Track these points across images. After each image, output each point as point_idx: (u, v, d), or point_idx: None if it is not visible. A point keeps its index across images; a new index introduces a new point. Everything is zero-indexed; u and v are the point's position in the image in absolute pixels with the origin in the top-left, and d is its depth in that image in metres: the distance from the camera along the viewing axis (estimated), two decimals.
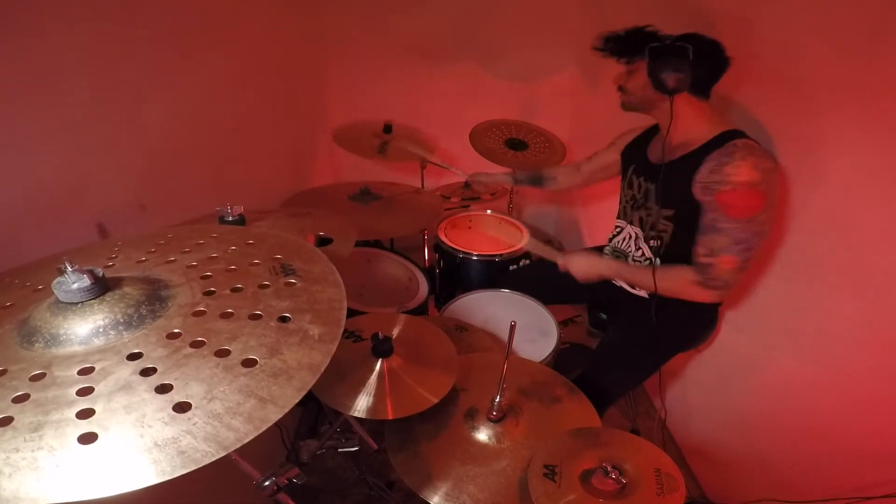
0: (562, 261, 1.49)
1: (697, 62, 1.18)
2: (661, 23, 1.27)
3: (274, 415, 0.49)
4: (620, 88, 1.36)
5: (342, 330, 0.60)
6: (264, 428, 0.48)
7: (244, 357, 0.54)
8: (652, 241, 1.39)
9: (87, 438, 0.45)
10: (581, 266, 1.45)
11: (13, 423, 0.46)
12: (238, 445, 0.46)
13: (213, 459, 0.45)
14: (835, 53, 1.14)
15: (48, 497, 0.41)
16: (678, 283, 1.27)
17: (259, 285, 0.65)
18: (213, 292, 0.64)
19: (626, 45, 1.30)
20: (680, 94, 1.23)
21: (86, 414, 0.47)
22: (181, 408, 0.48)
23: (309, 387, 0.53)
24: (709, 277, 1.21)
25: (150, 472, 0.43)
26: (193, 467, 0.44)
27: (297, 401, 0.51)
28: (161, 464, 0.44)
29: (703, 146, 1.23)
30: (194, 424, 0.47)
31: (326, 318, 0.61)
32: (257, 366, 0.53)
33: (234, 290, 0.64)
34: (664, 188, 1.31)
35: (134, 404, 0.48)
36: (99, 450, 0.45)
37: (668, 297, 1.31)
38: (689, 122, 1.26)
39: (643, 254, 1.43)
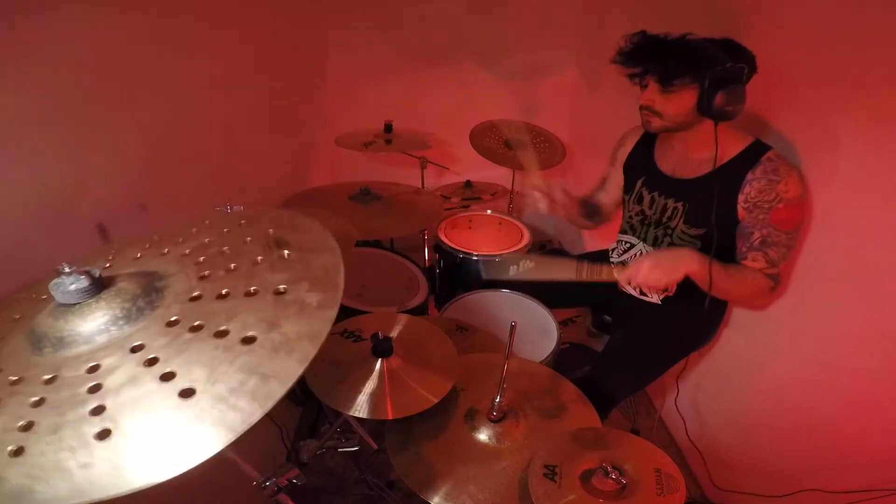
0: (624, 275, 1.21)
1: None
2: (664, 21, 1.21)
3: (278, 390, 0.48)
4: (649, 111, 1.21)
5: (341, 294, 0.58)
6: (270, 406, 0.47)
7: (243, 335, 0.53)
8: None
9: (103, 435, 0.46)
10: (660, 267, 1.16)
11: (35, 427, 0.47)
12: (246, 427, 0.46)
13: (226, 444, 0.45)
14: (837, 52, 1.14)
15: (78, 496, 0.42)
16: (754, 292, 1.22)
17: (253, 262, 0.64)
18: (208, 276, 0.63)
19: (676, 66, 1.11)
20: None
21: (98, 411, 0.48)
22: (186, 394, 0.48)
23: (311, 357, 0.51)
24: (776, 285, 1.22)
25: (164, 465, 0.43)
26: (205, 456, 0.44)
27: (300, 373, 0.50)
28: (174, 455, 0.44)
29: (735, 161, 1.19)
30: (201, 410, 0.47)
31: (324, 285, 0.59)
32: (256, 342, 0.53)
33: (229, 270, 0.63)
34: (701, 207, 1.24)
35: (141, 396, 0.49)
36: (115, 445, 0.45)
37: (721, 296, 1.26)
38: (710, 136, 1.18)
39: None
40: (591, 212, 1.60)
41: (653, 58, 1.15)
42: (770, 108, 1.33)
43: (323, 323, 0.54)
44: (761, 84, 1.16)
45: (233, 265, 0.63)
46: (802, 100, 1.24)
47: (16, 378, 0.53)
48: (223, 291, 0.59)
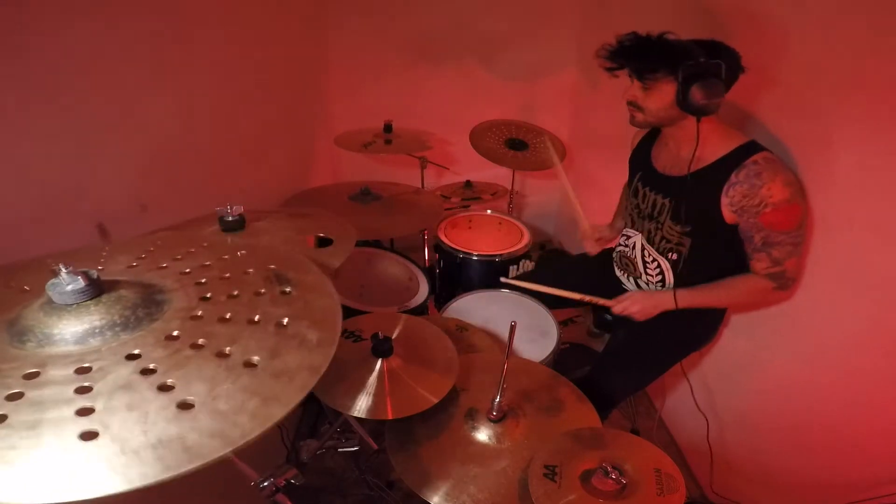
0: (620, 306, 1.37)
1: (728, 79, 1.13)
2: (666, 23, 1.20)
3: (278, 412, 0.50)
4: (633, 105, 1.25)
5: (339, 335, 0.61)
6: (269, 425, 0.49)
7: (245, 359, 0.55)
8: (671, 255, 1.34)
9: (89, 436, 0.45)
10: (646, 305, 1.34)
11: (7, 421, 0.46)
12: (245, 441, 0.47)
13: (221, 455, 0.45)
14: (837, 52, 1.14)
15: (52, 496, 0.41)
16: (755, 294, 1.27)
17: (255, 293, 0.66)
18: (210, 298, 0.64)
19: (649, 61, 1.16)
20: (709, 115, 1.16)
21: (86, 412, 0.47)
22: (185, 406, 0.49)
23: (311, 387, 0.53)
24: (783, 282, 1.23)
25: (156, 468, 0.43)
26: (200, 463, 0.44)
27: (300, 399, 0.52)
28: (166, 459, 0.44)
29: (721, 161, 1.19)
30: (199, 422, 0.47)
31: (323, 325, 0.62)
32: (259, 367, 0.54)
33: (231, 296, 0.65)
34: (682, 205, 1.27)
35: (136, 402, 0.49)
36: (102, 447, 0.45)
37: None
38: (703, 136, 1.20)
39: (658, 265, 1.37)
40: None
41: (628, 54, 1.19)
42: (768, 109, 1.33)
43: (322, 358, 0.57)
44: (762, 83, 1.15)
45: (235, 292, 0.66)
46: (800, 99, 1.24)
47: None
48: (226, 315, 0.61)
